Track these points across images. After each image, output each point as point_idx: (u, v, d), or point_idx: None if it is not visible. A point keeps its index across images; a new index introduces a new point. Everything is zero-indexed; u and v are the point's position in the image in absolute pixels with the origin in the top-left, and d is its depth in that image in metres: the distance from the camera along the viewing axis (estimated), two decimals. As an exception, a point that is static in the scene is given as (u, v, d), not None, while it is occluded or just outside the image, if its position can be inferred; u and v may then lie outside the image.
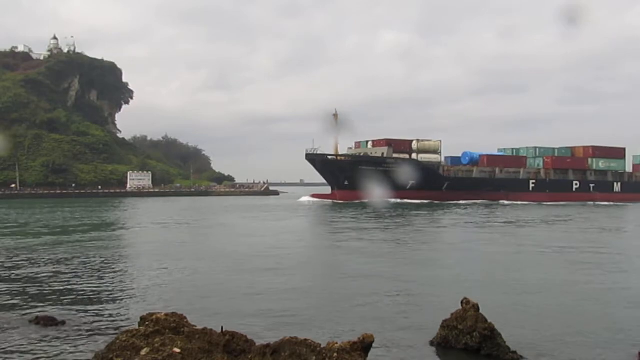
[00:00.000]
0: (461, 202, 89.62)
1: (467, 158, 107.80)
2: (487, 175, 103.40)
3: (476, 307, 11.33)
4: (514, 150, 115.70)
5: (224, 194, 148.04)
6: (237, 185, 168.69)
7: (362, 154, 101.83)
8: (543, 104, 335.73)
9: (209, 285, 18.34)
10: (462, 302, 11.54)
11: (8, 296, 16.29)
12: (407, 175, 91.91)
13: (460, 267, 22.57)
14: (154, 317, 8.97)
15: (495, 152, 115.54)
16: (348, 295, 16.81)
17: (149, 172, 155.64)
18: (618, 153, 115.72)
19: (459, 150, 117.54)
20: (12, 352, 10.89)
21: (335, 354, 8.25)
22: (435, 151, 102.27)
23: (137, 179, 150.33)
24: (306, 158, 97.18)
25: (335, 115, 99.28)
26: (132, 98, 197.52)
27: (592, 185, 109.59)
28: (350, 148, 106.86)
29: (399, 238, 35.29)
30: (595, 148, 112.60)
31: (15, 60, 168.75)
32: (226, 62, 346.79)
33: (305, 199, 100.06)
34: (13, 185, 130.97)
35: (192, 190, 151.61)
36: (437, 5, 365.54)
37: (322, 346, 8.45)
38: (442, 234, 39.59)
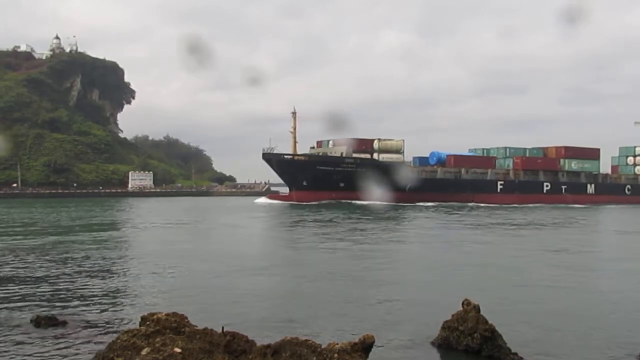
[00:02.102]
0: (423, 203, 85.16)
1: (434, 158, 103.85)
2: (453, 175, 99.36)
3: (477, 308, 11.32)
4: (485, 151, 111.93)
5: (225, 194, 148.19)
6: (239, 186, 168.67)
7: (320, 154, 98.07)
8: (543, 104, 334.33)
9: (210, 286, 18.34)
10: (463, 303, 11.53)
11: (9, 296, 16.30)
12: (367, 175, 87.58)
13: (459, 268, 22.55)
14: (155, 317, 8.98)
15: (466, 152, 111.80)
16: (348, 296, 16.80)
17: (150, 172, 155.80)
18: (592, 154, 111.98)
19: (459, 151, 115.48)
20: (13, 352, 10.90)
21: (336, 355, 8.26)
22: (398, 151, 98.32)
23: (138, 179, 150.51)
24: (263, 158, 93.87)
25: (294, 114, 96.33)
26: (133, 98, 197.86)
27: (564, 187, 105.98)
28: (313, 147, 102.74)
29: (384, 239, 35.30)
30: (567, 148, 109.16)
31: (17, 59, 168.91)
32: (226, 62, 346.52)
33: (262, 200, 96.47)
34: (15, 185, 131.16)
35: (193, 190, 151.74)
36: (437, 5, 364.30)
37: (322, 347, 8.46)
38: (429, 236, 39.59)
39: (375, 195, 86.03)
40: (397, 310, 14.86)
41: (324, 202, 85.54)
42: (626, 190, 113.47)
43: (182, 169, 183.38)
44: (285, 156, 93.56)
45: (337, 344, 8.53)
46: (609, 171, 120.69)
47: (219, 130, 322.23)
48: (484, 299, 12.58)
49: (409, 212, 65.90)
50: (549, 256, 26.97)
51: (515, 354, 10.87)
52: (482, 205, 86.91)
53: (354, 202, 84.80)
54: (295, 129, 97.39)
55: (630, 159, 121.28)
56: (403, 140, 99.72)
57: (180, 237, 36.22)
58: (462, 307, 11.48)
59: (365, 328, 11.63)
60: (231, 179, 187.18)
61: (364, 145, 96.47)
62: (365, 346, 8.62)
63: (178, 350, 8.24)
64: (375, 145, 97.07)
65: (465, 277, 20.11)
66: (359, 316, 14.08)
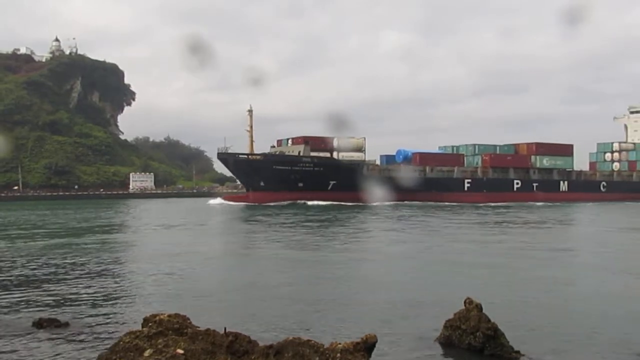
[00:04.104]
0: (384, 203, 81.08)
1: (401, 156, 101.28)
2: (417, 174, 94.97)
3: (479, 307, 11.31)
4: (454, 148, 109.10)
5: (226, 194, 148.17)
6: (240, 186, 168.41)
7: (277, 153, 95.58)
8: (544, 104, 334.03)
9: (212, 286, 18.37)
10: (465, 302, 11.52)
11: (11, 298, 16.31)
12: (325, 175, 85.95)
13: (462, 268, 22.54)
14: (157, 318, 8.98)
15: (435, 150, 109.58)
16: (350, 296, 16.81)
17: (152, 174, 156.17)
18: (565, 150, 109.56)
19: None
20: (15, 354, 10.90)
21: (339, 355, 8.25)
22: (359, 149, 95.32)
23: (139, 180, 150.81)
24: (218, 157, 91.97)
25: (250, 112, 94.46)
26: (133, 99, 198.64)
27: (535, 185, 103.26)
28: (273, 146, 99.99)
29: (372, 239, 35.29)
30: (539, 145, 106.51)
31: (17, 62, 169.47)
32: (227, 63, 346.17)
33: (216, 201, 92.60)
34: (16, 187, 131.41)
35: (194, 191, 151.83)
36: (438, 5, 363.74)
37: (325, 347, 8.45)
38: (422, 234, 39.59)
39: (335, 195, 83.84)
40: (398, 310, 14.85)
41: (283, 203, 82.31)
42: (601, 187, 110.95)
43: (183, 170, 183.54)
44: (241, 156, 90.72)
45: (340, 343, 8.53)
46: (587, 168, 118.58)
47: (219, 131, 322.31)
48: (485, 297, 12.57)
49: (369, 212, 63.80)
50: (548, 255, 26.98)
51: (518, 352, 10.86)
52: (448, 204, 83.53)
53: (311, 202, 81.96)
54: (251, 127, 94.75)
55: (608, 155, 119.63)
56: (364, 138, 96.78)
57: (180, 239, 36.25)
58: (464, 305, 11.47)
59: (368, 328, 11.63)
60: (232, 179, 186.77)
61: (323, 143, 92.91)
62: (368, 346, 8.62)
63: (180, 351, 8.24)
64: (335, 143, 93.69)
65: (466, 276, 20.09)
66: (361, 316, 14.08)
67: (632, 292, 17.38)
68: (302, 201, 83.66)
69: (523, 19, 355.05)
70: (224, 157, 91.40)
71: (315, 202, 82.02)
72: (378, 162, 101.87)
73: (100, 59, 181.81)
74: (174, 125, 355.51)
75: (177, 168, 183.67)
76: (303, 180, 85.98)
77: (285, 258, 25.99)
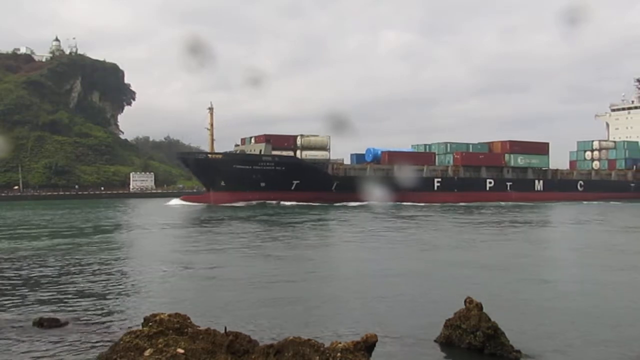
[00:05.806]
0: (350, 203, 78.79)
1: (370, 155, 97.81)
2: (385, 173, 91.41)
3: (479, 307, 11.31)
4: (426, 147, 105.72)
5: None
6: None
7: (239, 151, 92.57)
8: (545, 103, 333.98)
9: (212, 286, 18.37)
10: (465, 302, 11.52)
11: (11, 297, 16.32)
12: (288, 174, 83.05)
13: (462, 267, 22.54)
14: (158, 317, 8.99)
15: (408, 149, 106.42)
16: (350, 296, 16.81)
17: (152, 173, 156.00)
18: (540, 148, 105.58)
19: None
20: (15, 354, 10.90)
21: (339, 354, 8.26)
22: (323, 148, 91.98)
23: (139, 180, 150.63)
24: (177, 157, 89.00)
25: (211, 110, 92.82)
26: (134, 99, 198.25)
27: (509, 184, 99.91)
28: (237, 145, 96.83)
29: (366, 240, 35.28)
30: (513, 143, 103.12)
31: (17, 62, 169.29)
32: (227, 63, 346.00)
33: (175, 202, 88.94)
34: (16, 187, 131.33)
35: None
36: (439, 4, 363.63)
37: (325, 346, 8.46)
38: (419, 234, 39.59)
39: (299, 195, 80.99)
40: (399, 309, 14.85)
41: (244, 203, 78.74)
42: (578, 187, 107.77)
43: (183, 169, 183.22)
44: (199, 155, 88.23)
45: (340, 343, 8.53)
46: (568, 167, 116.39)
47: (219, 131, 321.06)
48: (486, 297, 12.56)
49: (336, 212, 62.35)
50: (547, 255, 26.98)
51: (519, 351, 10.87)
52: (412, 204, 79.95)
53: (273, 202, 79.62)
54: (212, 125, 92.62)
55: (588, 154, 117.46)
56: (329, 137, 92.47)
57: (180, 239, 36.25)
58: (465, 305, 11.47)
59: (368, 327, 11.62)
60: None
61: (286, 142, 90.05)
62: (368, 345, 8.63)
63: (181, 351, 8.25)
64: (299, 141, 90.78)
65: (466, 276, 20.09)
66: (362, 316, 14.08)
67: (631, 294, 17.38)
68: (264, 201, 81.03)
69: (524, 19, 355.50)
70: (183, 156, 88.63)
71: (278, 202, 79.82)
72: (348, 161, 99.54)
73: (100, 59, 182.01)
74: (174, 125, 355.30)
75: (177, 168, 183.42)
76: (265, 180, 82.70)
77: (280, 259, 25.98)
